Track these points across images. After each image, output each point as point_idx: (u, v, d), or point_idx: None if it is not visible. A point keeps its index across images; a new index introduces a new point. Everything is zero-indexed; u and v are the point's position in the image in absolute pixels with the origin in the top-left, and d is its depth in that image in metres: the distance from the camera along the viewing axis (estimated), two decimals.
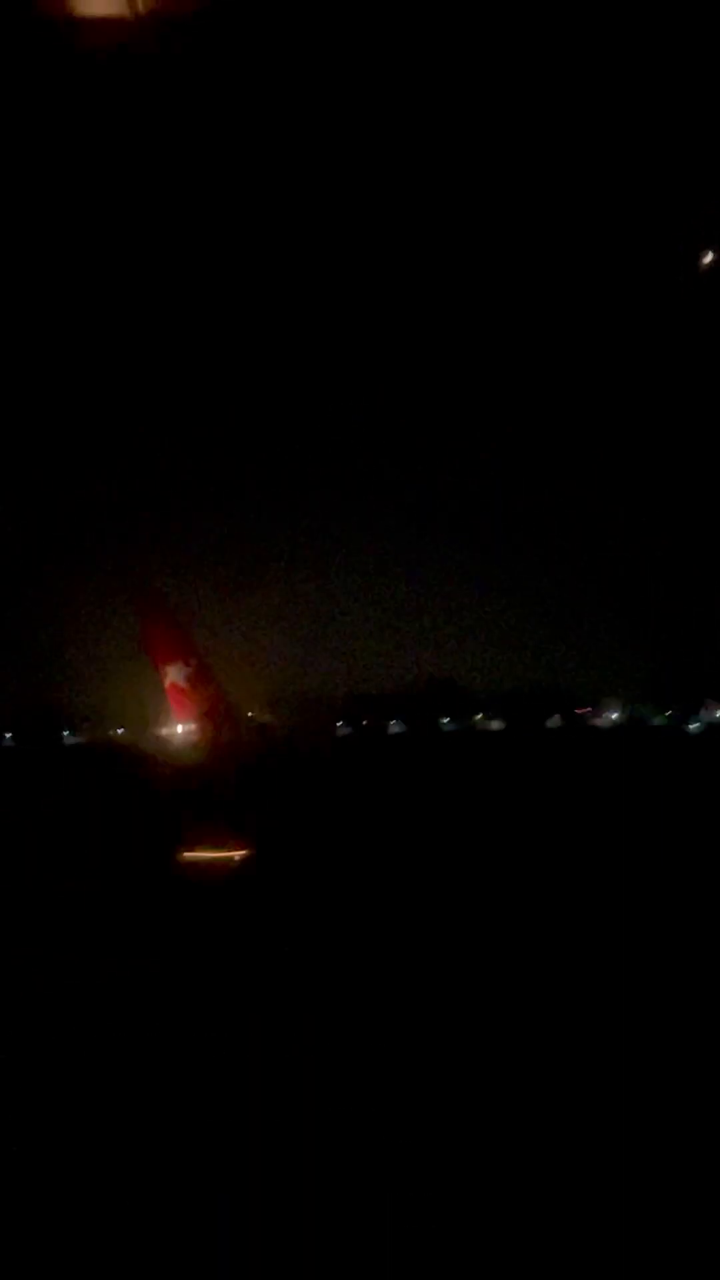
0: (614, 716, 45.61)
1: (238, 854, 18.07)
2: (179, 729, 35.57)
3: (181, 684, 34.48)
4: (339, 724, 43.32)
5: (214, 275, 35.34)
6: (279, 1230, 6.06)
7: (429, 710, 46.10)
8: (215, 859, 17.73)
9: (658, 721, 44.78)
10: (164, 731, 37.53)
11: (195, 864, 17.62)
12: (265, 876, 16.66)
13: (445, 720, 46.35)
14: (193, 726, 34.91)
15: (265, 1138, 7.05)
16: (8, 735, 45.47)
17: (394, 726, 45.66)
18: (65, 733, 46.52)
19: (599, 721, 45.86)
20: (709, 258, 25.43)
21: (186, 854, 17.94)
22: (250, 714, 36.03)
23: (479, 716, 46.37)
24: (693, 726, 43.48)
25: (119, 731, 44.62)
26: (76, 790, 29.10)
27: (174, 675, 34.38)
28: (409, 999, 9.85)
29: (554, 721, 46.04)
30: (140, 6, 13.20)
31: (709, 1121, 7.12)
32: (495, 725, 46.11)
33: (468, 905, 13.74)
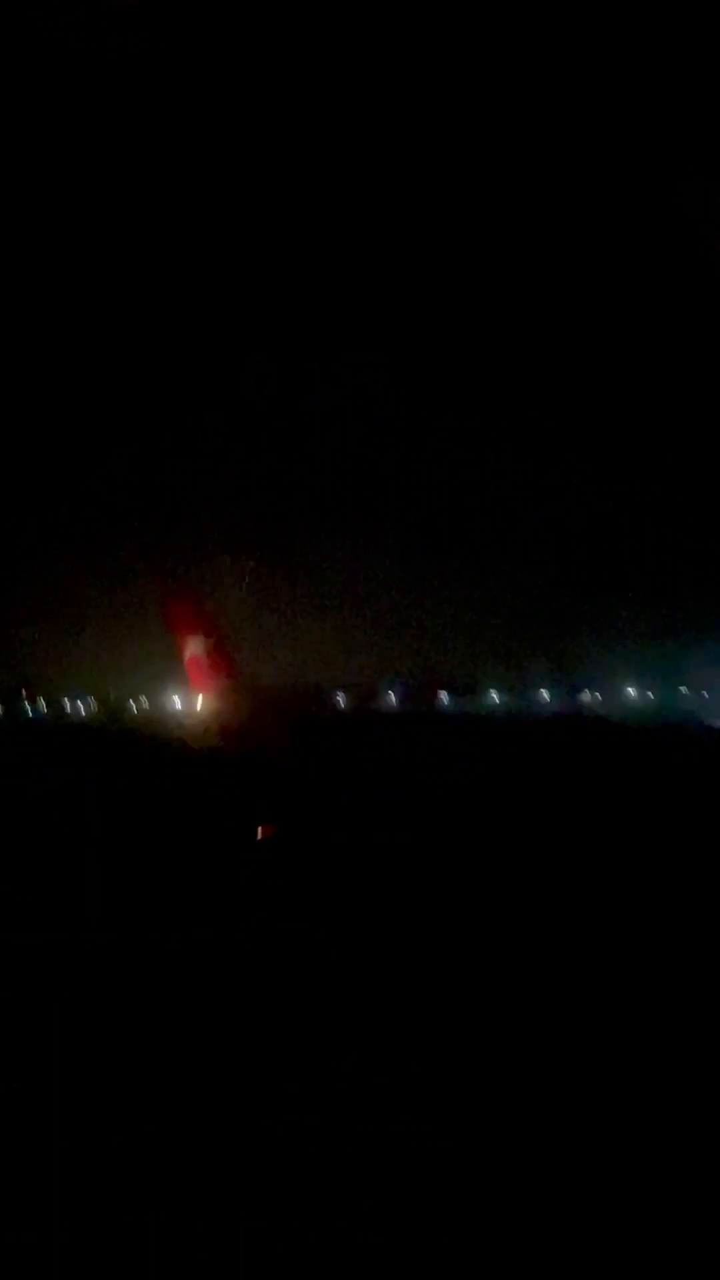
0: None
1: (260, 831, 18.12)
2: (199, 700, 35.95)
3: (201, 657, 34.88)
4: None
5: (227, 263, 35.22)
6: (280, 1228, 6.06)
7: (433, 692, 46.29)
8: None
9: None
10: (184, 703, 37.94)
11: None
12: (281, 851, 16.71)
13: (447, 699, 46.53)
14: (211, 698, 35.24)
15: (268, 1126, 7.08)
16: (36, 707, 45.82)
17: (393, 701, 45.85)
18: (87, 704, 46.86)
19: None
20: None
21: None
22: (273, 692, 36.21)
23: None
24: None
25: (140, 702, 44.96)
26: (96, 761, 29.34)
27: (194, 648, 34.78)
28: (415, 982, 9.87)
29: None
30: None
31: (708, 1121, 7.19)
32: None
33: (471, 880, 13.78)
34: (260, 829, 17.96)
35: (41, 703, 45.18)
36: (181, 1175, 6.57)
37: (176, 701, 39.09)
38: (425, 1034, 8.65)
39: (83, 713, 45.72)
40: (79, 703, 46.37)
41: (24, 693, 44.19)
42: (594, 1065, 8.01)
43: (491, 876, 14.05)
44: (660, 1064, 8.02)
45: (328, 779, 23.13)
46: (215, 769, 25.95)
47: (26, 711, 44.28)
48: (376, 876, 14.26)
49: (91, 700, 46.18)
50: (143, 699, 44.11)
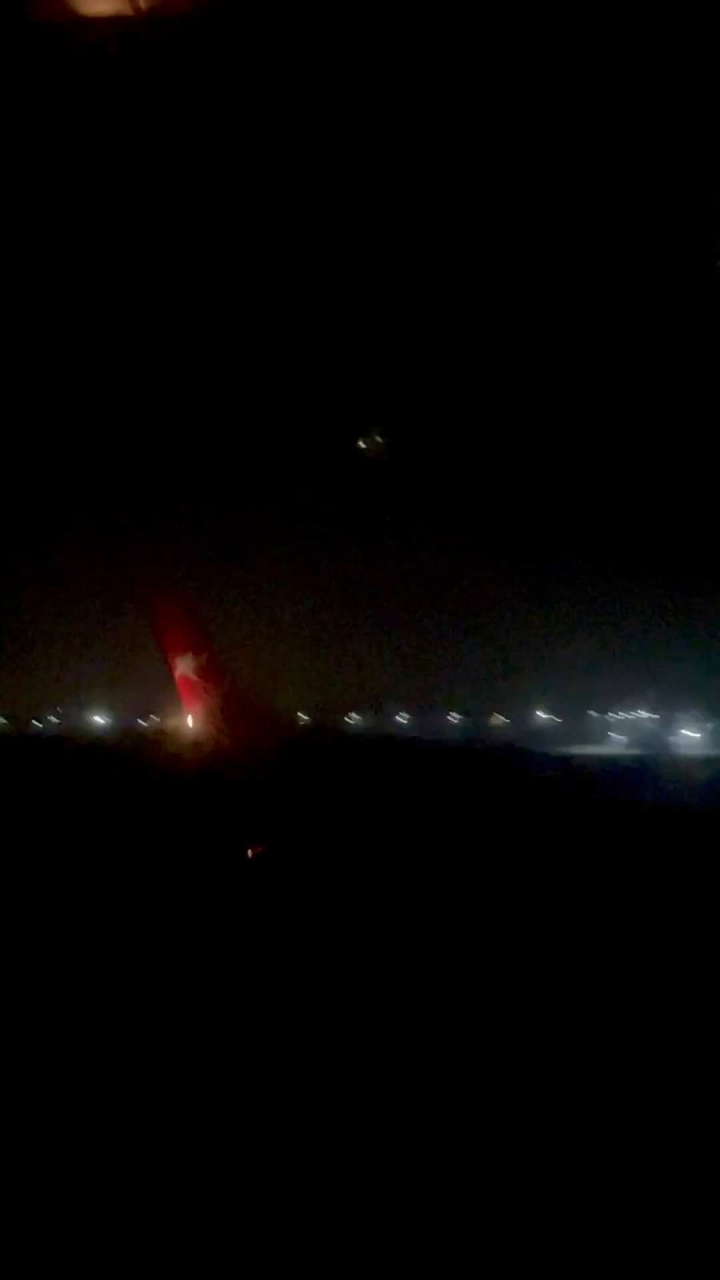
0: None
1: (251, 850, 18.08)
2: (189, 719, 35.75)
3: (192, 676, 34.65)
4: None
5: (225, 274, 35.38)
6: (280, 1227, 6.07)
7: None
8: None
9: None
10: (175, 722, 37.84)
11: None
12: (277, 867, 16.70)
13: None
14: (202, 717, 35.04)
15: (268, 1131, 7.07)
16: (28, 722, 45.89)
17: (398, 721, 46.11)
18: (79, 722, 46.87)
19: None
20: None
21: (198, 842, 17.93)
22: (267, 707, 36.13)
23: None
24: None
25: (131, 722, 44.94)
26: (90, 779, 29.28)
27: (184, 667, 34.57)
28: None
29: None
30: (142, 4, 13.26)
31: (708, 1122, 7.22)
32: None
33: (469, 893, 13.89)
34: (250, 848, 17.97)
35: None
36: (181, 1175, 6.58)
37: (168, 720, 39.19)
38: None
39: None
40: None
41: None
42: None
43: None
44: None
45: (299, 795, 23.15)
46: (205, 786, 25.94)
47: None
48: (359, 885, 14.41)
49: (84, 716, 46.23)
50: (134, 717, 44.08)
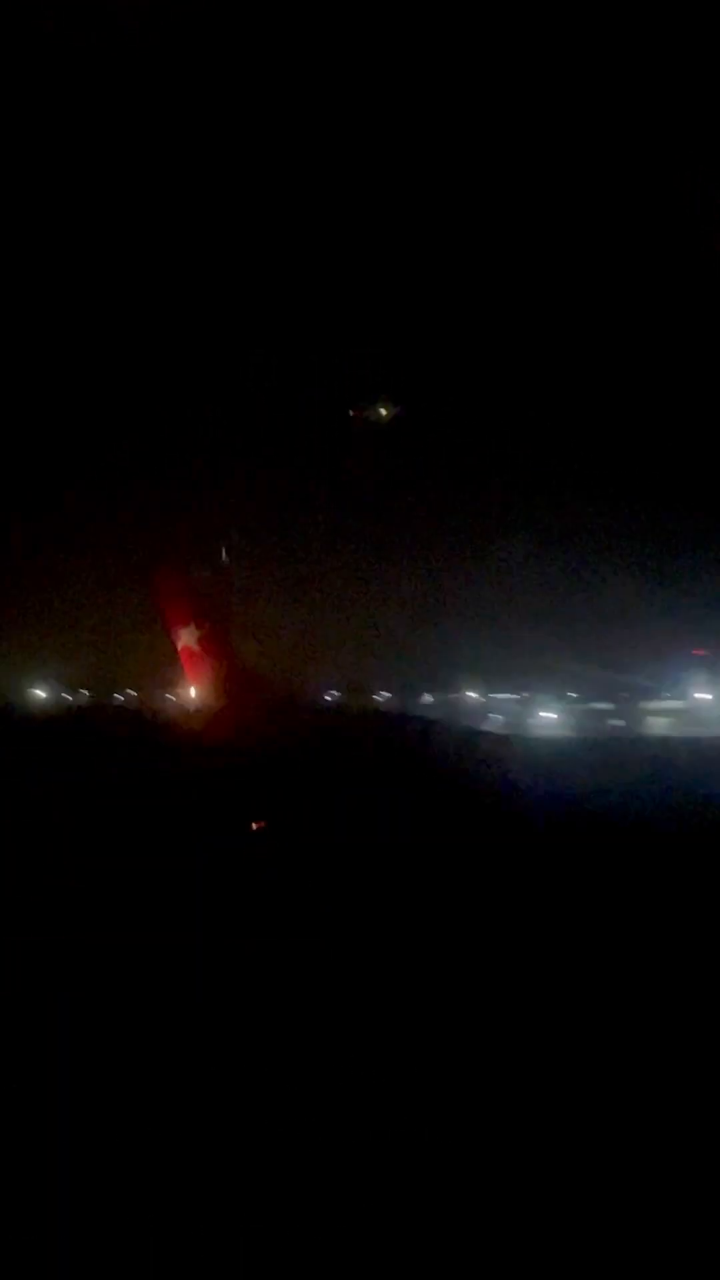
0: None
1: (253, 825, 18.06)
2: (192, 692, 35.69)
3: (194, 647, 34.54)
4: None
5: (223, 255, 35.18)
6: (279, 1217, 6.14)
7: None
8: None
9: None
10: (177, 694, 37.86)
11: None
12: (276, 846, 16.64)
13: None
14: (205, 689, 34.97)
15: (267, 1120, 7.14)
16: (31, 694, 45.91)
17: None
18: (81, 694, 46.88)
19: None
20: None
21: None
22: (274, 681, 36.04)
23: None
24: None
25: (133, 694, 44.92)
26: (92, 752, 29.26)
27: (186, 639, 34.47)
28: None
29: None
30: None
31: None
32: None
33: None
34: (254, 824, 17.94)
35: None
36: (181, 1175, 6.58)
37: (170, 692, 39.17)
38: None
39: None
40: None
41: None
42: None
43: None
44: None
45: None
46: (207, 762, 25.87)
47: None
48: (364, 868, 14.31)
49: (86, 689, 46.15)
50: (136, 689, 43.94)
